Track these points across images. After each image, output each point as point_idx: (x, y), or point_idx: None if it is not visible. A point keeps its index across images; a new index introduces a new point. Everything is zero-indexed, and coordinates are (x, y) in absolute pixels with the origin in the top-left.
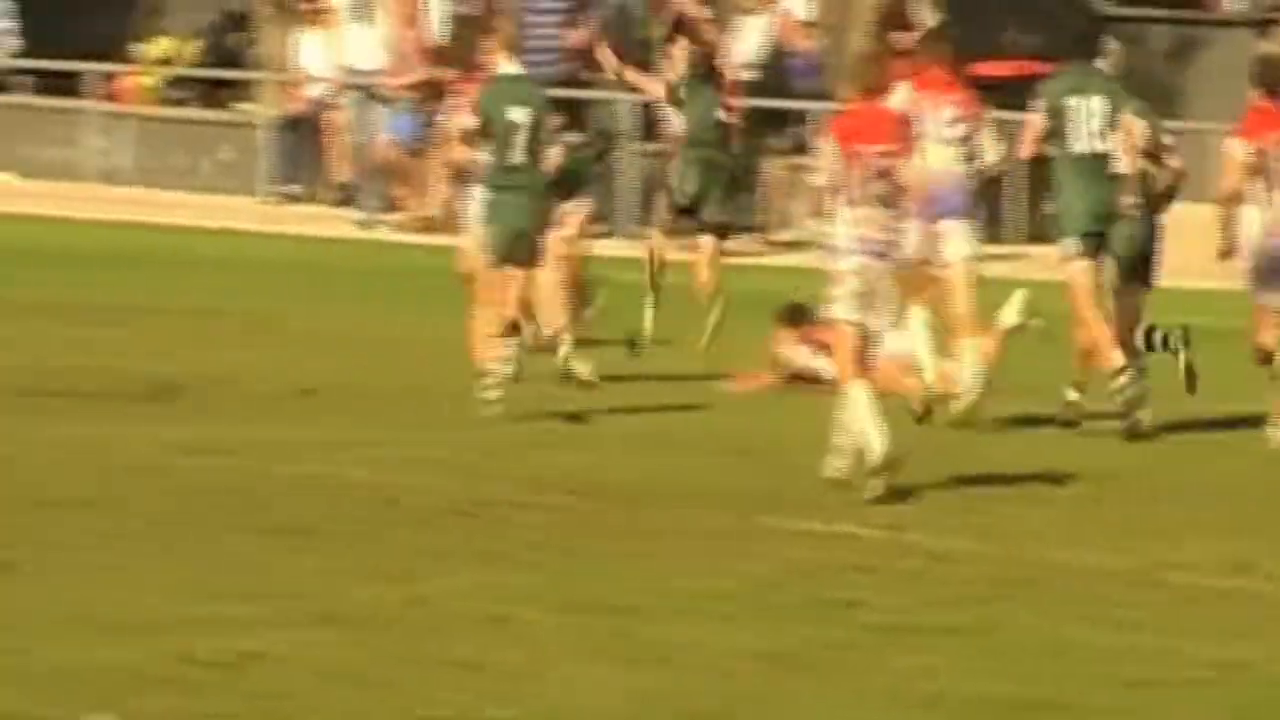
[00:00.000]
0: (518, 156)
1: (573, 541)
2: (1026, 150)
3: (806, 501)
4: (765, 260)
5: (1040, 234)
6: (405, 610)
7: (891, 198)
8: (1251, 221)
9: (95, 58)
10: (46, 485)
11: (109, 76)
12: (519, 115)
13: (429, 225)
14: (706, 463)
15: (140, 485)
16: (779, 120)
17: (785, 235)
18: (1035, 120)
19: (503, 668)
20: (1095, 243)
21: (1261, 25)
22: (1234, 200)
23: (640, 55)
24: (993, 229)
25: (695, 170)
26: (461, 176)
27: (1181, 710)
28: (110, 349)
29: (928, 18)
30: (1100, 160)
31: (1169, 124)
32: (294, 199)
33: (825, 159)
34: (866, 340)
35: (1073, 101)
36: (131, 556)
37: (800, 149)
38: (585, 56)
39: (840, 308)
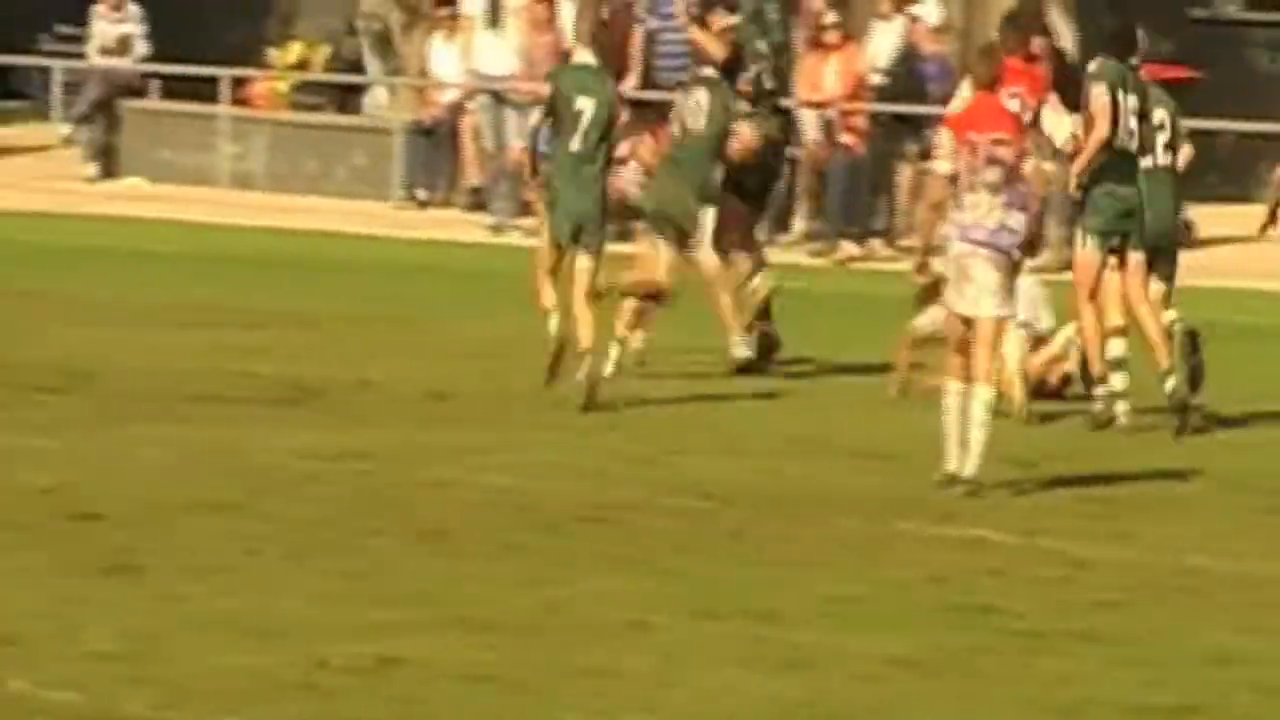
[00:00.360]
0: (578, 144)
1: (708, 546)
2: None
3: (942, 506)
4: (897, 265)
5: None
6: (540, 616)
7: (1003, 185)
8: None
9: (227, 63)
10: (184, 490)
11: (241, 82)
12: (586, 105)
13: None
14: (842, 466)
15: (277, 490)
16: (911, 125)
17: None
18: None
19: (638, 674)
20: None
21: None
22: None
23: (775, 60)
24: None
25: None
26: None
27: None
28: (246, 354)
29: (1060, 24)
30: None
31: None
32: (426, 204)
33: (944, 149)
34: (968, 330)
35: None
36: (267, 561)
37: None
38: None
39: (949, 296)
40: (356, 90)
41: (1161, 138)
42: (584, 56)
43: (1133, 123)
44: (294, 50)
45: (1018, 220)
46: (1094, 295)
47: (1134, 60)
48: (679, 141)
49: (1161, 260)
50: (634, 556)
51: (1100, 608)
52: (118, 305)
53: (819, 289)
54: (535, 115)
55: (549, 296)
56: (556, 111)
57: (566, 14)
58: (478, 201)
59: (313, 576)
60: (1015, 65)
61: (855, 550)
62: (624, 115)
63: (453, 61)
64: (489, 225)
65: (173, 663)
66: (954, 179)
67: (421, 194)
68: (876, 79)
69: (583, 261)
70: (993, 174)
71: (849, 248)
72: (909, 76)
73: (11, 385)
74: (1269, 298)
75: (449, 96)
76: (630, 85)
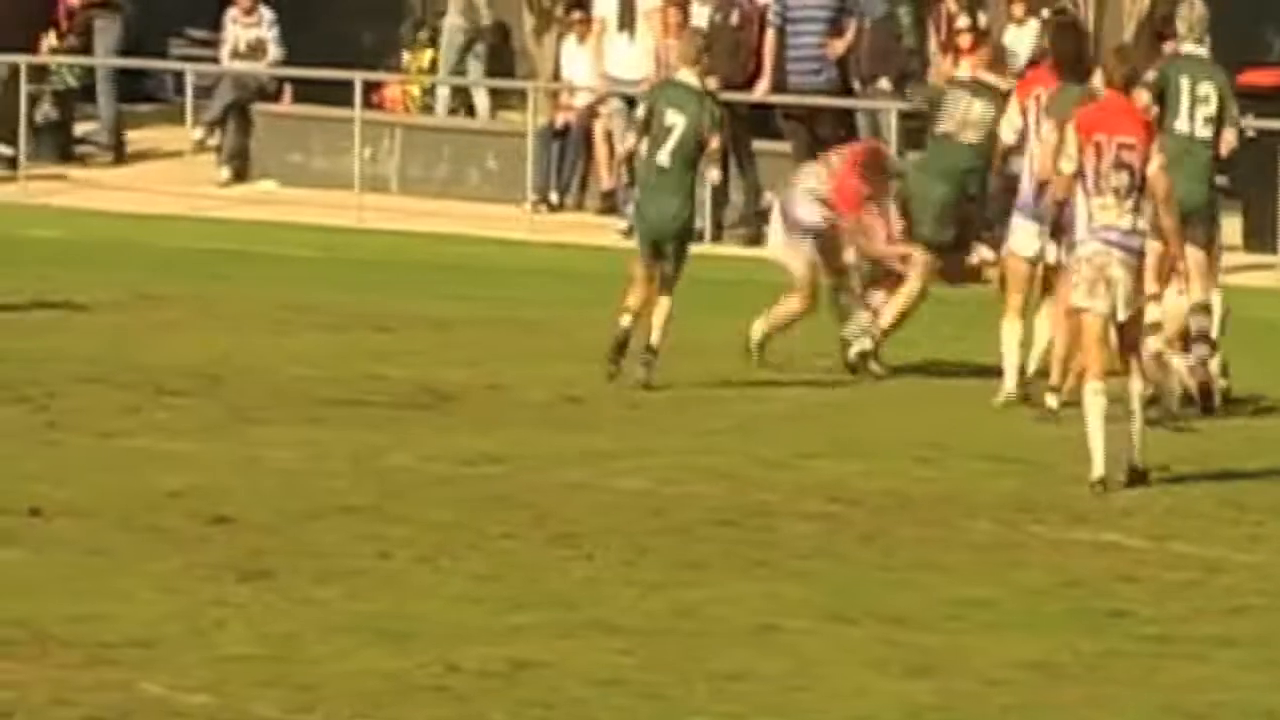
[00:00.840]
0: (665, 159)
1: (839, 550)
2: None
3: (1071, 510)
4: None
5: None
6: (673, 619)
7: (1130, 189)
8: None
9: (360, 67)
10: (316, 493)
11: (374, 85)
12: (677, 120)
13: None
14: (971, 470)
15: (409, 493)
16: None
17: None
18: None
19: (770, 677)
20: None
21: None
22: None
23: (904, 64)
24: (1261, 239)
25: None
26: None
27: None
28: (377, 357)
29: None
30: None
31: None
32: (558, 207)
33: (1069, 149)
34: (1109, 328)
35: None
36: (399, 565)
37: None
38: (850, 65)
39: (1078, 295)
40: (492, 94)
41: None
42: (685, 76)
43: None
44: (427, 54)
45: (1145, 223)
46: None
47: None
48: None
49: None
50: (765, 560)
51: (1232, 612)
52: (250, 309)
53: (945, 293)
54: (630, 136)
55: (633, 298)
56: (650, 127)
57: (699, 17)
58: (610, 205)
59: (445, 579)
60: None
61: (985, 554)
62: (719, 132)
63: (585, 65)
64: (621, 229)
65: (305, 666)
66: (1076, 177)
67: (554, 197)
68: (1010, 85)
69: (666, 271)
70: (1120, 178)
71: (983, 251)
72: None
73: (144, 388)
74: None
75: (581, 100)
76: (763, 89)
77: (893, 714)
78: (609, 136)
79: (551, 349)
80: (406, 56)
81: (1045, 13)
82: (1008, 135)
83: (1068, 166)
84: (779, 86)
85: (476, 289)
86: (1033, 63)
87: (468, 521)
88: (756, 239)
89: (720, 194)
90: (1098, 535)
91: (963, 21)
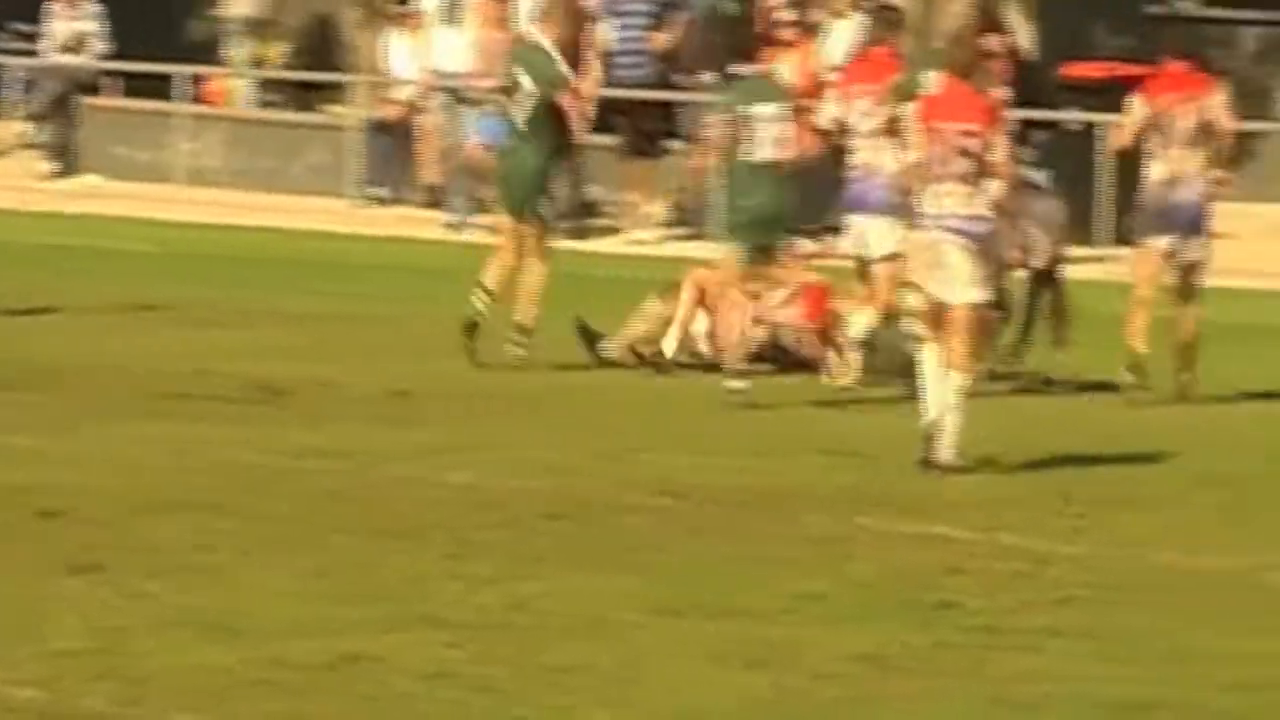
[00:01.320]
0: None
1: (670, 543)
2: (1126, 139)
3: (900, 503)
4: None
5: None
6: (504, 613)
7: (973, 176)
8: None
9: (185, 61)
10: (148, 487)
11: (199, 79)
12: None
13: None
14: (802, 464)
15: (239, 488)
16: None
17: None
18: (1138, 113)
19: (601, 670)
20: None
21: None
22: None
23: (727, 59)
24: (1082, 230)
25: None
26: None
27: None
28: (205, 352)
29: (1017, 21)
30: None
31: (1259, 125)
32: (383, 201)
33: (911, 137)
34: (942, 311)
35: None
36: (229, 559)
37: None
38: (673, 59)
39: (917, 277)
40: (314, 88)
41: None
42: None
43: None
44: (249, 48)
45: (990, 208)
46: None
47: None
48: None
49: None
50: (598, 553)
51: (1060, 603)
52: (75, 303)
53: None
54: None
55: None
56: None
57: (522, 10)
58: (435, 199)
59: (275, 574)
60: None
61: (816, 547)
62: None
63: (408, 58)
64: (446, 223)
65: (135, 659)
66: (921, 167)
67: (379, 191)
68: (834, 77)
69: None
70: (963, 165)
71: (806, 245)
72: None
73: None
74: (1238, 295)
75: (406, 94)
76: (589, 84)
77: (724, 706)
78: (434, 131)
79: (380, 343)
80: (230, 50)
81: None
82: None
83: (909, 157)
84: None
85: (304, 283)
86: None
87: (298, 516)
88: (582, 232)
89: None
90: (926, 528)
91: (785, 15)
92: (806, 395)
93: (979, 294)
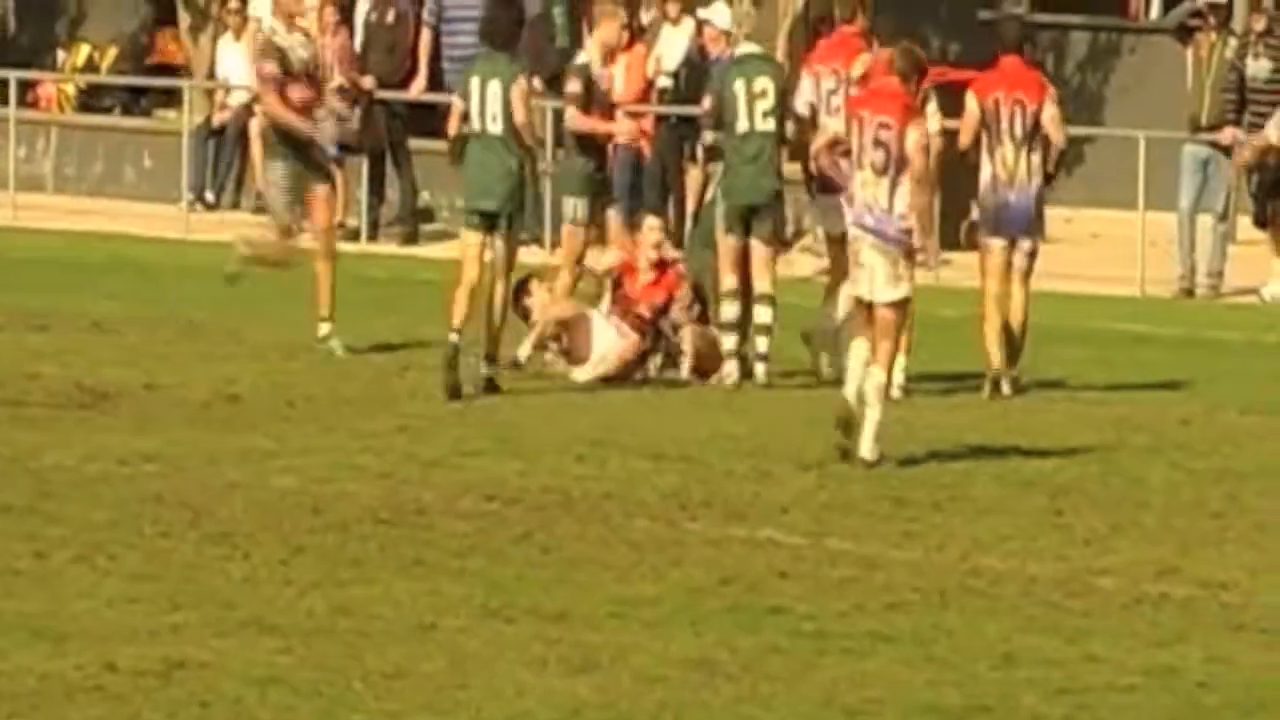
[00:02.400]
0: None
1: (497, 548)
2: (965, 139)
3: (729, 507)
4: None
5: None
6: (331, 618)
7: (886, 166)
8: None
9: (14, 65)
10: None
11: (28, 84)
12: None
13: (350, 232)
14: (631, 468)
15: (66, 493)
16: (699, 126)
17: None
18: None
19: (429, 675)
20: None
21: (1182, 33)
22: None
23: (558, 63)
24: None
25: None
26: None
27: (1110, 717)
28: (33, 356)
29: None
30: None
31: (1089, 130)
32: (214, 206)
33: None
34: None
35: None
36: (56, 564)
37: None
38: None
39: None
40: (145, 93)
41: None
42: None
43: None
44: (82, 52)
45: (904, 204)
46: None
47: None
48: None
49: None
50: (423, 558)
51: (889, 608)
52: None
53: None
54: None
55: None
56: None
57: (357, 17)
58: (265, 204)
59: (102, 579)
60: (840, 39)
61: (644, 551)
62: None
63: (240, 63)
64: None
65: None
66: (846, 152)
67: (209, 196)
68: (664, 81)
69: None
70: (876, 155)
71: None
72: (698, 79)
73: None
74: (1063, 299)
75: (236, 99)
76: (418, 88)
77: (552, 712)
78: (264, 134)
79: (209, 348)
80: (61, 55)
81: (700, 12)
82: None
83: (831, 130)
84: (435, 85)
85: (134, 288)
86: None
87: (125, 521)
88: (413, 237)
89: (376, 193)
90: (755, 532)
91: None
92: (632, 398)
93: (897, 292)
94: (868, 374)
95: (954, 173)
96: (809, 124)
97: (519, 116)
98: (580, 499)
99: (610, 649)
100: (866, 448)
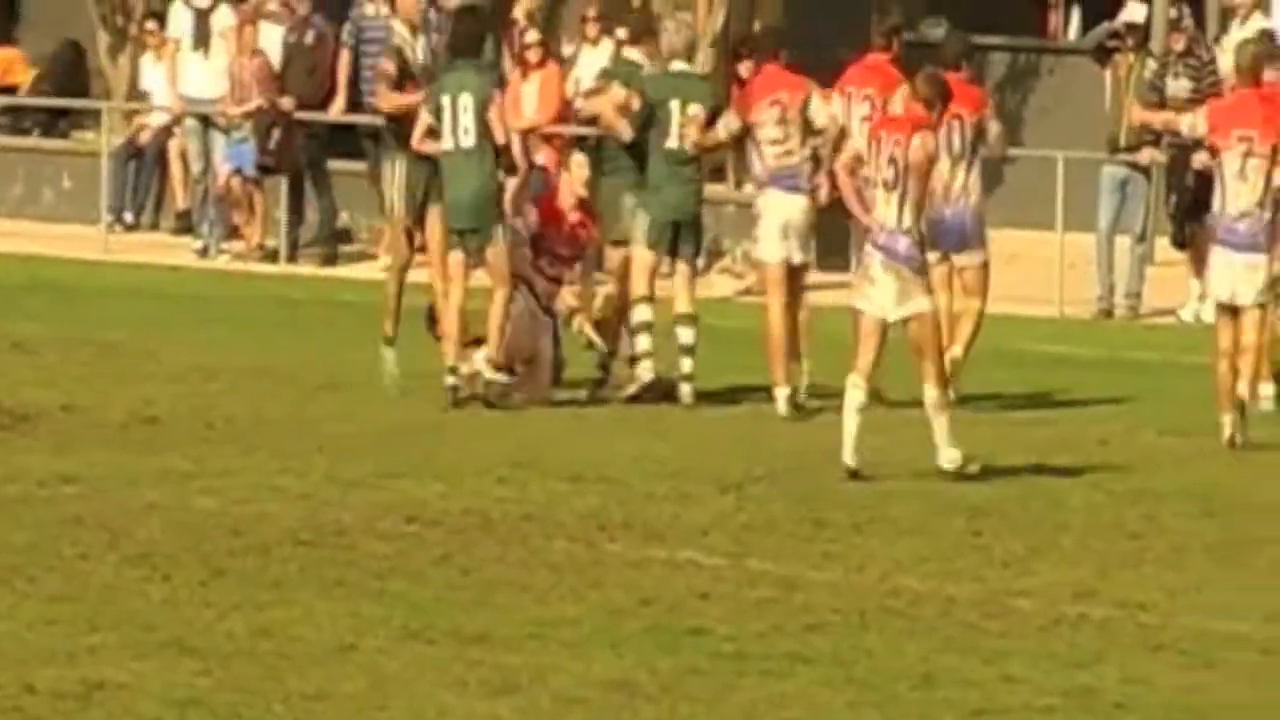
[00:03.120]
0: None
1: (418, 570)
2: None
3: (648, 528)
4: None
5: None
6: (251, 640)
7: (896, 181)
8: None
9: None
10: None
11: None
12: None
13: (269, 253)
14: (551, 490)
15: None
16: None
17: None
18: None
19: (349, 696)
20: None
21: (1100, 54)
22: None
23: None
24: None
25: None
26: None
27: None
28: None
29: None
30: None
31: (1009, 150)
32: (134, 227)
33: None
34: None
35: None
36: None
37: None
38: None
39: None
40: (63, 114)
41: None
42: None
43: None
44: None
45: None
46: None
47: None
48: None
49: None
50: (344, 580)
51: (809, 629)
52: None
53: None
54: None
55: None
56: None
57: (270, 38)
58: (185, 225)
59: (20, 601)
60: (873, 64)
61: (564, 573)
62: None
63: (159, 83)
64: (196, 249)
65: None
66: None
67: (129, 217)
68: (583, 102)
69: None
70: (888, 172)
71: None
72: None
73: None
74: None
75: (155, 119)
76: (337, 109)
77: None
78: (184, 156)
79: (128, 369)
80: None
81: (620, 32)
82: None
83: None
84: (354, 106)
85: (53, 309)
86: None
87: (43, 543)
88: (332, 258)
89: (296, 213)
90: (675, 553)
91: (531, 36)
92: (553, 420)
93: (908, 309)
94: (924, 391)
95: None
96: (838, 139)
97: (499, 137)
98: (500, 521)
99: (530, 670)
100: (944, 457)
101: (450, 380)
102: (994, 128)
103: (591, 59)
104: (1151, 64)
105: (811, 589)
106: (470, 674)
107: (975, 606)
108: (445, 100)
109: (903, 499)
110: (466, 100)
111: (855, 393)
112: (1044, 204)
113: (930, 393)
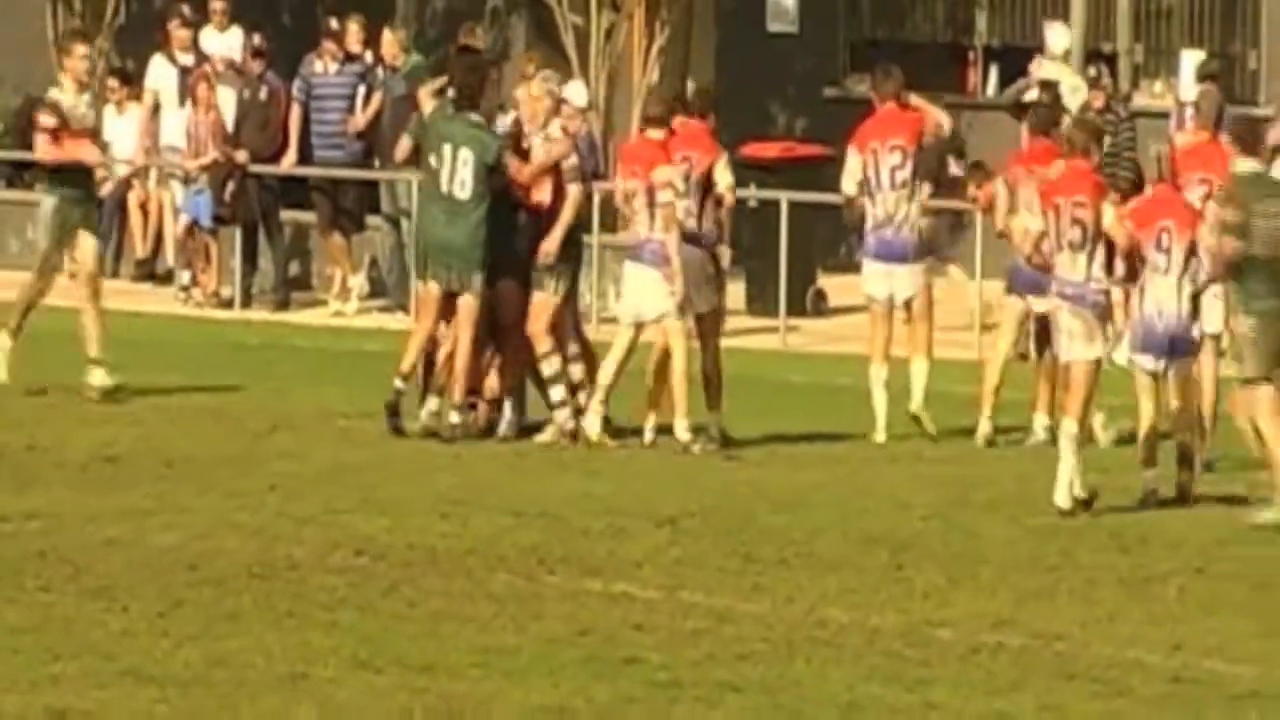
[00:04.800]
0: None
1: (366, 602)
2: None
3: (585, 562)
4: None
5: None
6: (207, 669)
7: (1085, 241)
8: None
9: None
10: None
11: None
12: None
13: (224, 300)
14: (492, 525)
15: None
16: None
17: None
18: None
19: None
20: None
21: (1017, 109)
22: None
23: None
24: (763, 303)
25: None
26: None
27: None
28: None
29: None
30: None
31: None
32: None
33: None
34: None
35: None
36: None
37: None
38: (371, 139)
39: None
40: (28, 166)
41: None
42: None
43: None
44: None
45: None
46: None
47: None
48: None
49: None
50: (295, 611)
51: (740, 659)
52: None
53: None
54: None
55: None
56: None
57: (225, 95)
58: (145, 272)
59: None
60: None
61: (505, 604)
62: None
63: (125, 136)
64: (158, 295)
65: None
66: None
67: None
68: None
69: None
70: (1075, 234)
71: None
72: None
73: None
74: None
75: (117, 171)
76: (289, 162)
77: None
78: (143, 205)
79: (90, 411)
80: None
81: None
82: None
83: (1035, 224)
84: (305, 159)
85: (17, 352)
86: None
87: (7, 576)
88: (284, 305)
89: (249, 262)
90: (611, 586)
91: None
92: (494, 459)
93: (1093, 351)
94: (1062, 424)
95: (800, 242)
96: (858, 202)
97: (525, 179)
98: (445, 555)
99: (473, 698)
100: (1060, 496)
101: (442, 418)
102: (941, 120)
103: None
104: (1066, 120)
105: (741, 620)
106: (416, 702)
107: (898, 636)
108: (446, 149)
109: (828, 534)
110: (467, 155)
111: (1070, 430)
112: (963, 253)
113: (1071, 427)
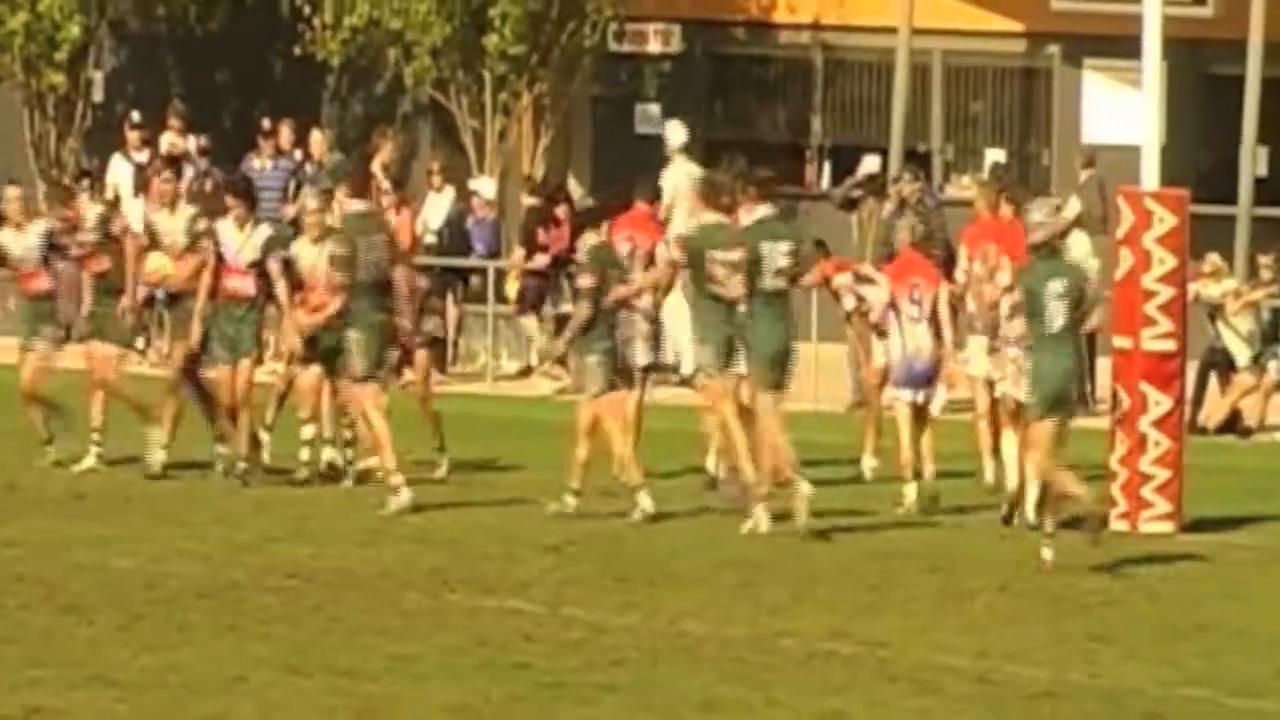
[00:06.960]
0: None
1: (296, 617)
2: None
3: (482, 582)
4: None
5: None
6: (162, 674)
7: None
8: None
9: None
10: None
11: None
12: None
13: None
14: (402, 550)
15: None
16: (460, 274)
17: (468, 369)
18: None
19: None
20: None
21: (848, 204)
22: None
23: None
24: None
25: None
26: None
27: None
28: None
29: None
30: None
31: None
32: (66, 340)
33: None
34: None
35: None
36: None
37: (480, 298)
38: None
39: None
40: None
41: None
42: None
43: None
44: None
45: None
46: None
47: None
48: None
49: None
50: (237, 625)
51: (614, 664)
52: None
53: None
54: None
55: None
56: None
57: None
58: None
59: None
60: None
61: (413, 618)
62: None
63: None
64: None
65: None
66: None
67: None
68: (430, 238)
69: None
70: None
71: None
72: (461, 236)
73: None
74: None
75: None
76: None
77: None
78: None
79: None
80: None
81: (470, 184)
82: None
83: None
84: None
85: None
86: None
87: None
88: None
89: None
90: (504, 602)
91: (385, 187)
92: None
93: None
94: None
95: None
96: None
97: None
98: (363, 577)
99: (387, 698)
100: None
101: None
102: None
103: (437, 203)
104: (888, 207)
105: (615, 632)
106: (338, 702)
107: (747, 645)
108: (362, 243)
109: (688, 557)
110: (377, 240)
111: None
112: (801, 323)
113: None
